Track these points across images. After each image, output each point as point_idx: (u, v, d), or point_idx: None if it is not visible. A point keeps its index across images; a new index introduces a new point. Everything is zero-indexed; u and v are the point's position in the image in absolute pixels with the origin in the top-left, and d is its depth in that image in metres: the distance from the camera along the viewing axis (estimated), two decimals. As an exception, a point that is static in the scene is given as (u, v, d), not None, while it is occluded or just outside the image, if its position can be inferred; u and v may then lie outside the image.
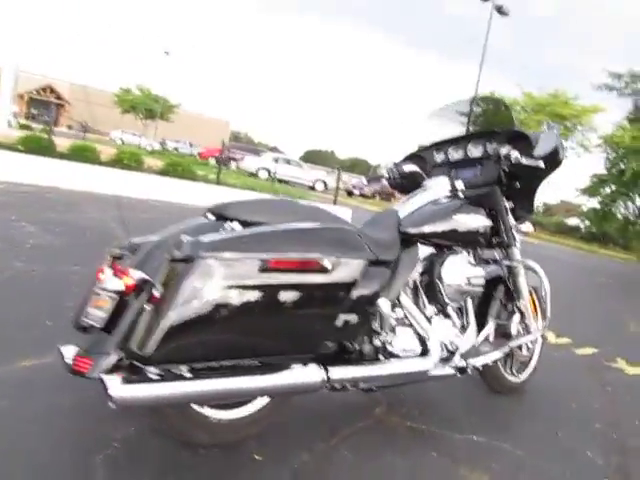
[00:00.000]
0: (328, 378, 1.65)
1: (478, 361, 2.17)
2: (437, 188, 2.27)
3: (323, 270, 1.53)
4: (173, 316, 1.33)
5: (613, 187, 28.88)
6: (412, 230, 2.02)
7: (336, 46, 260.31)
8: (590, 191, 30.40)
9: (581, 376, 3.31)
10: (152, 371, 1.39)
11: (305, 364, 1.62)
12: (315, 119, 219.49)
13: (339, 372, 1.70)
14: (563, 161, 2.28)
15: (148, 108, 41.14)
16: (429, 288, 2.08)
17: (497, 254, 2.47)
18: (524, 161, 2.14)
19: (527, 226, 2.46)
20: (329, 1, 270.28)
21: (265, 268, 1.42)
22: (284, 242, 1.50)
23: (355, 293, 1.66)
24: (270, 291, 1.45)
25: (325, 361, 1.68)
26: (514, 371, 2.62)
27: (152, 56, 55.40)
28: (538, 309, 2.62)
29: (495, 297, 2.41)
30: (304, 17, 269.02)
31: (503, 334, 2.40)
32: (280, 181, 20.12)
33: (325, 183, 25.24)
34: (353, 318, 1.74)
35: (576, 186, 30.52)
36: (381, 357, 1.90)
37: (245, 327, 1.47)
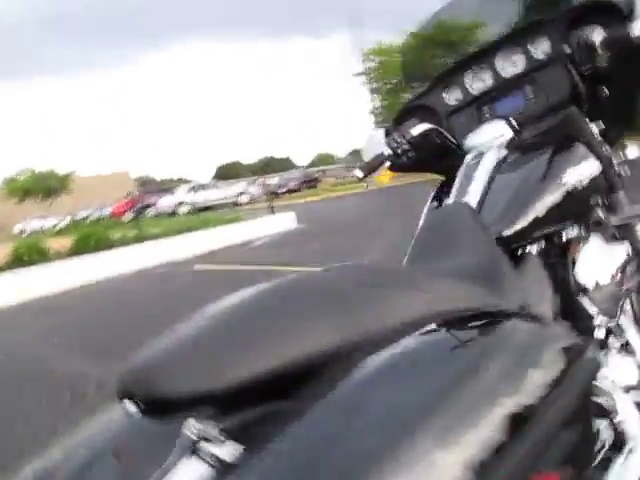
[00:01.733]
0: None
1: None
2: (496, 142, 1.26)
3: None
4: None
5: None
6: (515, 229, 1.00)
7: (209, 63, 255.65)
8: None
9: None
10: None
11: None
12: (209, 137, 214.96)
13: None
14: None
15: (44, 188, 38.15)
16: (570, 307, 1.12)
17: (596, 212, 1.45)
18: None
19: (635, 149, 1.48)
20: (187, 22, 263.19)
21: None
22: None
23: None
24: None
25: None
26: None
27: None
28: None
29: None
30: (168, 50, 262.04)
31: None
32: (205, 209, 18.95)
33: (248, 194, 24.15)
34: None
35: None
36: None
37: None
